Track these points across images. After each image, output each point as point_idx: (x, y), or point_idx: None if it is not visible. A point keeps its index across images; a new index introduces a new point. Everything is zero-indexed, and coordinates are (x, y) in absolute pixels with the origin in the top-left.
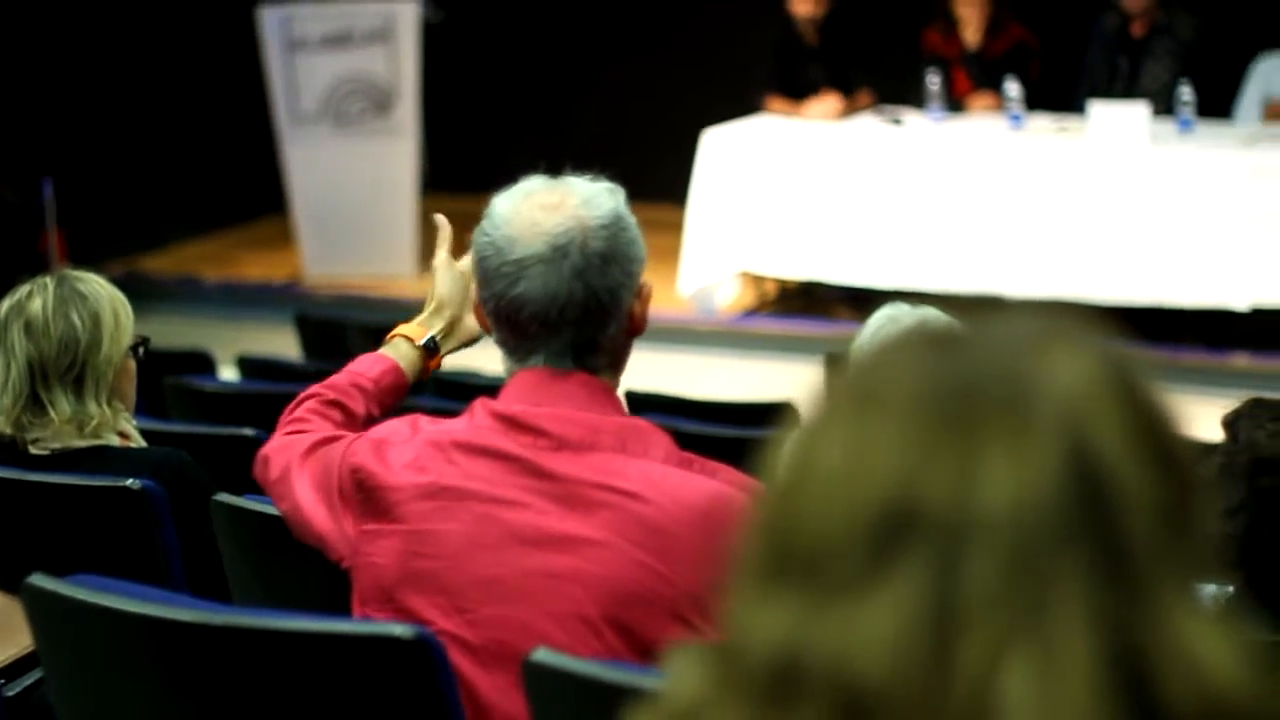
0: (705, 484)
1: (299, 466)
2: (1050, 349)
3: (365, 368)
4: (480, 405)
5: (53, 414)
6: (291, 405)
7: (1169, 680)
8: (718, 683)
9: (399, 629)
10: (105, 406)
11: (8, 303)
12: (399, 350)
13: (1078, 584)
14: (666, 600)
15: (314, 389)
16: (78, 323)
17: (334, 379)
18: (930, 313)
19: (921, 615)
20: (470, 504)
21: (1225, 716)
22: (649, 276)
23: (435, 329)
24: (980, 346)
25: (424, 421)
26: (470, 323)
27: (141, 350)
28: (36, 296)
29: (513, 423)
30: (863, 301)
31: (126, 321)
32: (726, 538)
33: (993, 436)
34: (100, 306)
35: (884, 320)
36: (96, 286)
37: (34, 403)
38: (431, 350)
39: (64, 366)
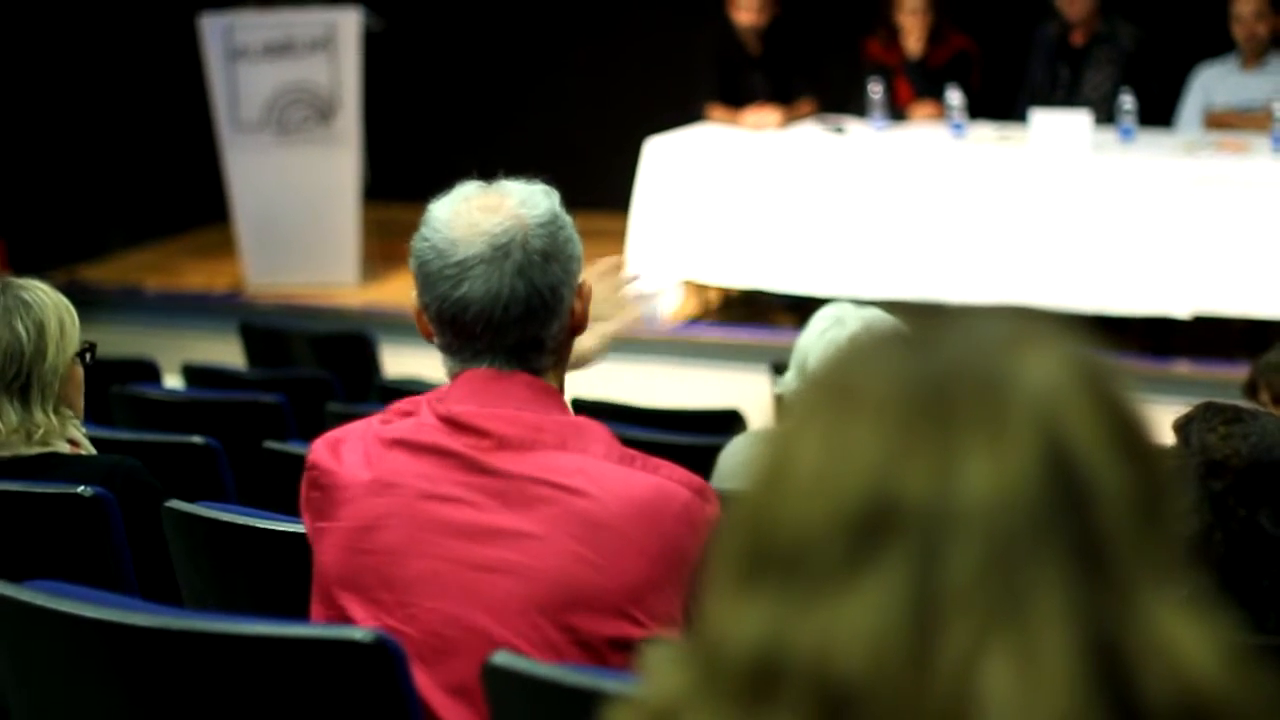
0: (646, 480)
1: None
2: (1024, 348)
3: None
4: (425, 405)
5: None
6: None
7: (1146, 672)
8: (696, 682)
9: (358, 633)
10: (53, 415)
11: None
12: None
13: (1055, 577)
14: (606, 595)
15: None
16: (22, 332)
17: None
18: (874, 313)
19: (902, 609)
20: (410, 499)
21: (1201, 708)
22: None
23: None
24: (954, 345)
25: (374, 419)
26: (584, 344)
27: (88, 356)
28: None
29: (455, 424)
30: (805, 310)
31: (72, 329)
32: (668, 532)
33: (970, 432)
34: (45, 314)
35: (830, 321)
36: (40, 294)
37: None
38: None
39: (9, 376)
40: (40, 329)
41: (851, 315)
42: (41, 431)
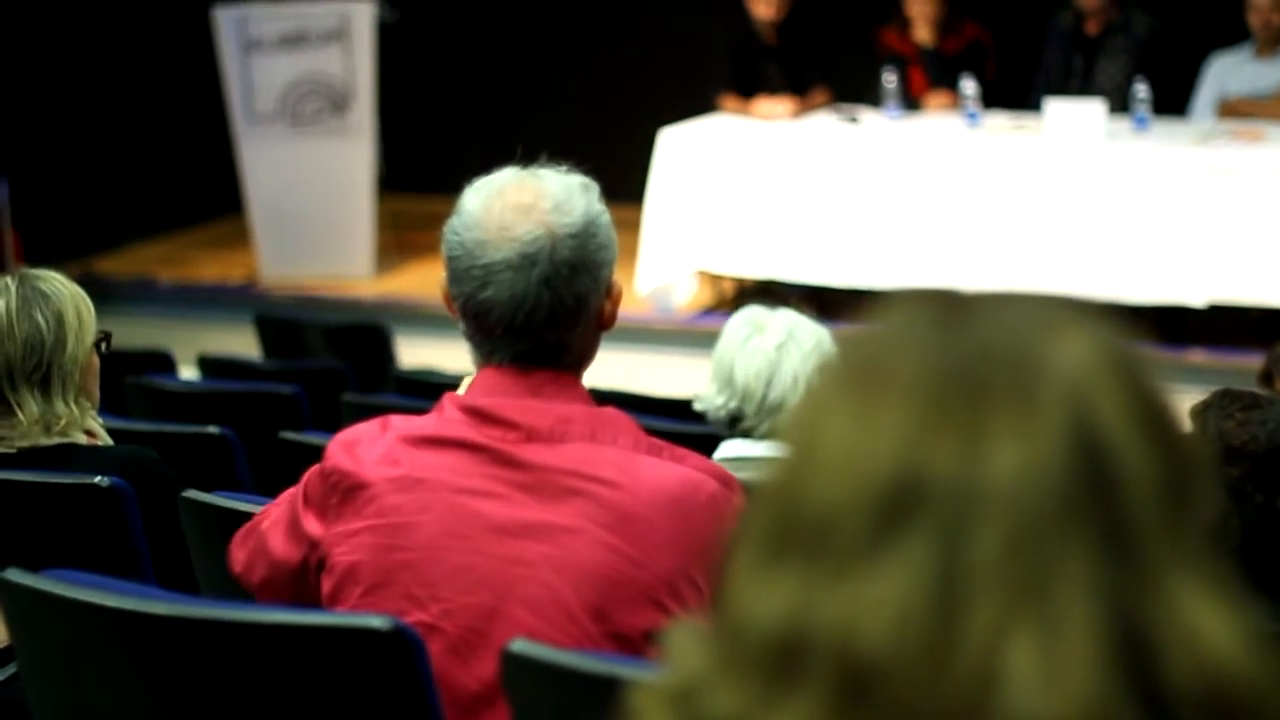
0: (675, 470)
1: (269, 535)
2: (1056, 331)
3: None
4: (448, 400)
5: (20, 415)
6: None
7: (1170, 655)
8: (718, 660)
9: (376, 621)
10: (72, 405)
11: None
12: None
13: (1081, 558)
14: (640, 585)
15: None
16: (42, 323)
17: None
18: (794, 315)
19: (927, 587)
20: (442, 494)
21: (1225, 692)
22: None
23: None
24: (985, 326)
25: (395, 420)
26: None
27: (104, 346)
28: None
29: (482, 416)
30: (821, 300)
31: (89, 319)
32: (698, 523)
33: (999, 412)
34: (63, 305)
35: (750, 328)
36: (58, 285)
37: (1, 404)
38: None
39: (30, 367)
40: (59, 319)
41: (770, 320)
42: (62, 422)
